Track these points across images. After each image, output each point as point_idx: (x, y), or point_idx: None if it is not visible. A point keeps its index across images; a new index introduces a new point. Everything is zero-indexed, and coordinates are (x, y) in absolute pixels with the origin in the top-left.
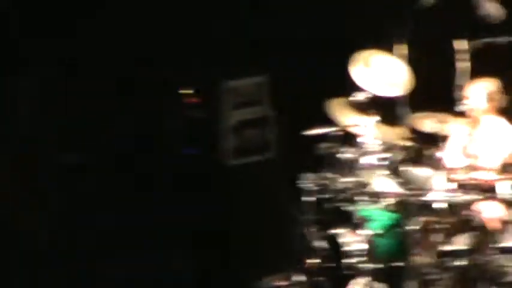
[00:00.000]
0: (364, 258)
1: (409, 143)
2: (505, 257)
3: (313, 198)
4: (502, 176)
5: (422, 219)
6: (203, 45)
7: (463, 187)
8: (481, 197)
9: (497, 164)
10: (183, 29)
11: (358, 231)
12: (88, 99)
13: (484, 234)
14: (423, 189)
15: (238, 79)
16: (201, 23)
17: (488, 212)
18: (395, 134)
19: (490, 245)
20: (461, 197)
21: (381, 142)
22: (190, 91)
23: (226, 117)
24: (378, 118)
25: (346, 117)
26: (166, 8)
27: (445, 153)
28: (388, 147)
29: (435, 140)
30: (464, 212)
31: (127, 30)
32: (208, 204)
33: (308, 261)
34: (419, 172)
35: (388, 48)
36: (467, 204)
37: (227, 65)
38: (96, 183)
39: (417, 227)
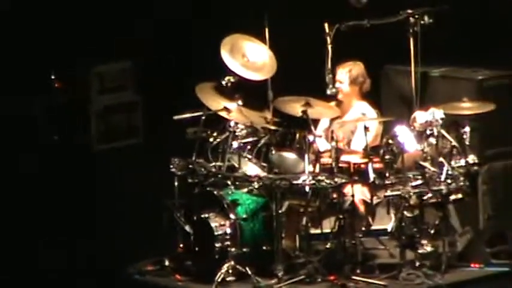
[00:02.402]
0: (231, 243)
1: (274, 127)
2: (373, 240)
3: (182, 183)
4: (367, 160)
5: (289, 203)
6: (68, 30)
7: (331, 170)
8: (348, 180)
9: (363, 147)
10: (48, 14)
11: (227, 216)
12: None
13: (351, 218)
14: (290, 173)
15: (103, 64)
16: (66, 8)
17: (356, 195)
18: (261, 118)
19: (358, 228)
20: (329, 181)
21: (246, 126)
22: (54, 76)
23: (92, 102)
24: (241, 102)
25: (214, 101)
26: None
27: (313, 137)
28: (254, 132)
29: (303, 123)
30: (331, 196)
31: None
32: (74, 191)
33: (179, 246)
34: (286, 156)
35: (256, 32)
36: (335, 188)
37: (92, 50)
38: None
39: (283, 211)
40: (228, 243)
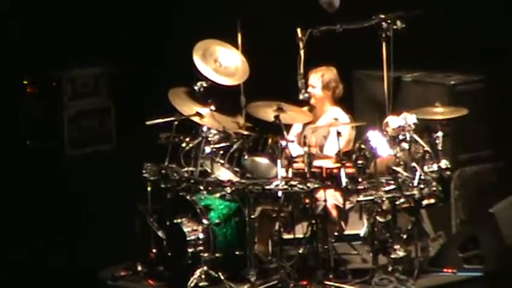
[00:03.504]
0: (204, 248)
1: (247, 132)
2: (346, 245)
3: (155, 188)
4: (340, 165)
5: (262, 208)
6: (40, 35)
7: (303, 176)
8: (321, 185)
9: (336, 152)
10: (20, 20)
11: (199, 221)
12: None
13: (324, 223)
14: (263, 178)
15: (76, 70)
16: (39, 14)
17: (329, 200)
18: (234, 123)
19: (331, 233)
20: (302, 186)
21: (219, 131)
22: (26, 82)
23: (65, 107)
24: (214, 107)
25: (186, 106)
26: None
27: (286, 142)
28: (226, 137)
29: (275, 128)
30: (304, 201)
31: None
32: (48, 195)
33: (152, 251)
34: (258, 161)
35: (229, 38)
36: (307, 193)
37: (64, 55)
38: None
39: (256, 216)
40: (201, 248)
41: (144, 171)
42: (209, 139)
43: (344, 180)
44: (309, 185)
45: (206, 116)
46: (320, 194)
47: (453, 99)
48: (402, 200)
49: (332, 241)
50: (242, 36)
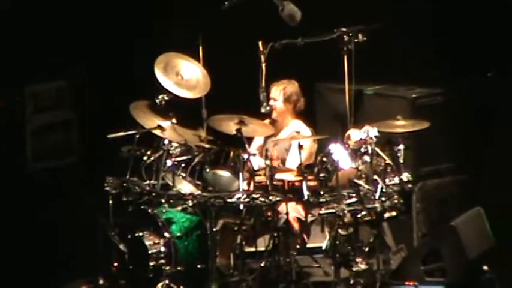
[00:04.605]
0: (166, 261)
1: (209, 145)
2: (308, 258)
3: (116, 201)
4: (302, 178)
5: (223, 221)
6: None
7: (265, 188)
8: (283, 198)
9: (297, 165)
10: None
11: (161, 234)
12: None
13: (286, 236)
14: (224, 191)
15: (38, 83)
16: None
17: (291, 213)
18: (195, 136)
19: (292, 246)
20: (263, 199)
21: (180, 144)
22: None
23: (27, 121)
24: (175, 120)
25: (148, 119)
26: None
27: (247, 155)
28: (187, 150)
29: (237, 141)
30: (266, 214)
31: None
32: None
33: (114, 264)
34: (220, 174)
35: (190, 51)
36: (269, 206)
37: (28, 69)
38: None
39: (218, 229)
40: (163, 261)
41: (105, 185)
42: (171, 152)
43: (306, 193)
44: (270, 198)
45: (168, 129)
46: (282, 207)
47: (414, 112)
48: (364, 212)
49: (294, 254)
50: (203, 49)
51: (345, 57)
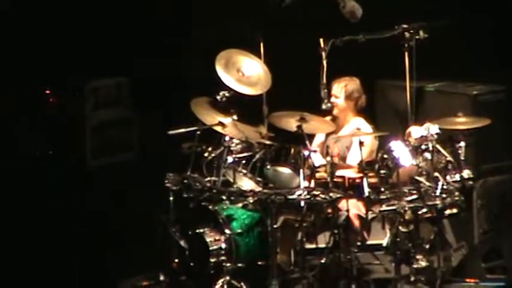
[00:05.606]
0: (226, 258)
1: (269, 142)
2: (368, 255)
3: (177, 198)
4: (362, 175)
5: (284, 217)
6: (63, 45)
7: (326, 185)
8: (343, 195)
9: (358, 162)
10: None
11: (222, 231)
12: None
13: (346, 233)
14: (285, 187)
15: (98, 79)
16: (61, 23)
17: (352, 210)
18: (256, 133)
19: (353, 243)
20: (324, 195)
21: (241, 141)
22: (48, 91)
23: (87, 117)
24: (236, 117)
25: (208, 116)
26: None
27: (308, 152)
28: (249, 146)
29: (298, 138)
30: (326, 211)
31: None
32: (70, 205)
33: (174, 260)
34: (281, 171)
35: (251, 47)
36: (330, 203)
37: (88, 65)
38: None
39: (278, 226)
40: (223, 258)
41: (166, 181)
42: (231, 149)
43: (366, 190)
44: (331, 194)
45: (228, 126)
46: (342, 204)
47: (476, 109)
48: (425, 209)
49: (354, 251)
50: (264, 46)
51: (406, 54)
